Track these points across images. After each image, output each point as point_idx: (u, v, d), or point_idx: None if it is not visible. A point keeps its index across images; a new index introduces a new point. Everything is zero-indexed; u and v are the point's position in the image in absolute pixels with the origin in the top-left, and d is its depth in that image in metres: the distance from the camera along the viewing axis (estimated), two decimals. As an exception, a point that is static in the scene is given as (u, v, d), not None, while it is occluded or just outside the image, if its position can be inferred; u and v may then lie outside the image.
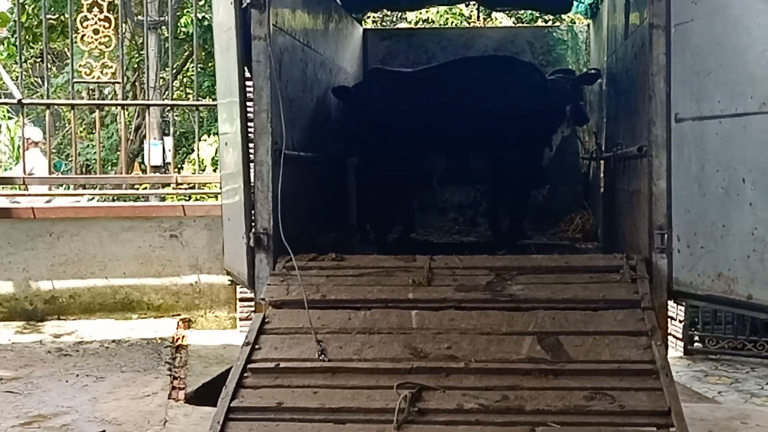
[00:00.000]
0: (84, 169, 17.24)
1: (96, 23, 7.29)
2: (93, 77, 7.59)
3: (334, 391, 3.92)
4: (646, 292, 4.34)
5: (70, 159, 18.00)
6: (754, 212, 3.97)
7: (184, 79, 17.93)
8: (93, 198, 9.55)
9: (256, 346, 4.22)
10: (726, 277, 4.15)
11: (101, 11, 7.29)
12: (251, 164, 4.88)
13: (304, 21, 5.96)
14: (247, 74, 4.93)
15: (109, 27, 7.33)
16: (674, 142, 4.39)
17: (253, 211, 4.86)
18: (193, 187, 8.09)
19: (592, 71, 7.06)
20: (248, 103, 4.93)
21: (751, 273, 4.02)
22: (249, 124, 4.92)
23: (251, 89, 4.88)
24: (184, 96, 17.47)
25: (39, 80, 17.90)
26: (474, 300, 4.43)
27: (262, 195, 4.82)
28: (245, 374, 4.06)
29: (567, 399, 3.76)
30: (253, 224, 4.84)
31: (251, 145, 4.91)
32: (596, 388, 3.81)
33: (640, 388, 3.79)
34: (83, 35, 7.37)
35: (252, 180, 4.86)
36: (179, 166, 8.36)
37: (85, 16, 7.31)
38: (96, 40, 7.32)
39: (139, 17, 14.86)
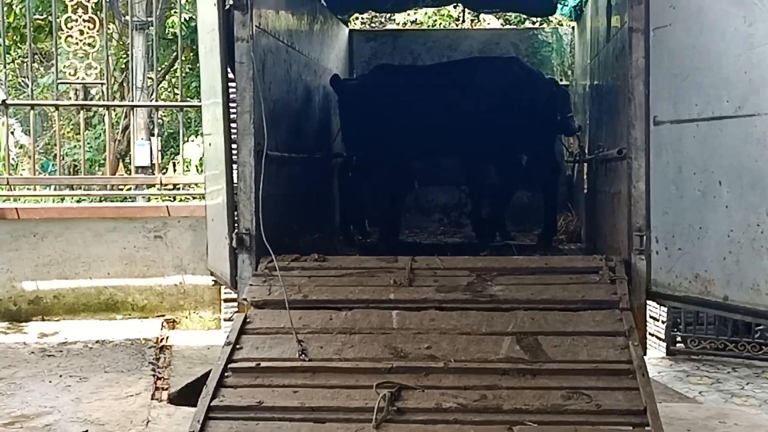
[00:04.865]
0: (71, 170, 17.18)
1: (81, 24, 7.29)
2: (78, 78, 7.59)
3: (314, 390, 3.95)
4: (624, 293, 4.38)
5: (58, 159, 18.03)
6: (730, 214, 4.03)
7: (172, 80, 17.90)
8: (79, 199, 9.52)
9: (237, 346, 4.25)
10: (703, 278, 4.20)
11: (86, 12, 7.29)
12: (234, 165, 4.90)
13: (288, 22, 5.98)
14: (231, 75, 4.95)
15: (94, 28, 7.34)
16: (653, 145, 4.44)
17: (235, 212, 4.89)
18: (177, 188, 8.09)
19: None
20: (231, 105, 4.95)
21: (727, 274, 4.07)
22: (232, 125, 4.94)
23: (234, 90, 4.90)
24: (172, 97, 17.44)
25: (25, 80, 17.84)
26: (454, 300, 4.46)
27: (245, 196, 4.84)
28: (226, 374, 4.08)
29: (544, 398, 3.80)
30: (235, 225, 4.87)
31: (234, 146, 4.93)
32: (573, 387, 3.84)
33: (617, 387, 3.83)
34: (68, 36, 7.37)
35: (235, 181, 4.89)
36: (166, 167, 8.34)
37: (70, 16, 7.31)
38: (81, 40, 7.33)
39: (126, 17, 14.83)
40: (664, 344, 7.57)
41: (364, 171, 6.73)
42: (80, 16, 7.30)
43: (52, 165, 18.30)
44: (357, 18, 14.19)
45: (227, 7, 4.82)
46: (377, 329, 4.31)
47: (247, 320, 4.43)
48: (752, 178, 3.90)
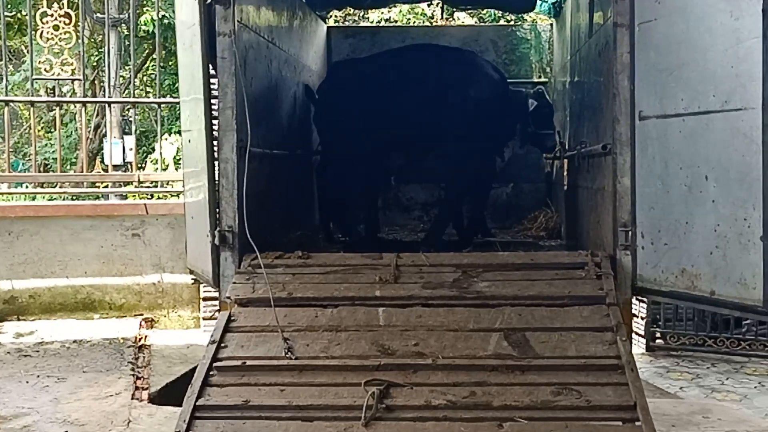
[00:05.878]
0: (42, 169, 16.95)
1: (56, 19, 7.18)
2: (53, 74, 7.47)
3: (302, 388, 3.90)
4: (610, 288, 4.37)
5: (27, 158, 17.78)
6: (717, 209, 4.03)
7: (144, 78, 17.76)
8: (51, 197, 9.38)
9: (222, 345, 4.19)
10: (689, 273, 4.21)
11: (61, 7, 7.17)
12: (216, 162, 4.84)
13: (269, 18, 5.93)
14: (212, 71, 4.89)
15: (70, 23, 7.22)
16: (638, 140, 4.44)
17: (217, 209, 4.82)
18: (155, 186, 8.01)
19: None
20: (212, 101, 4.89)
21: (714, 269, 4.08)
22: (213, 121, 4.87)
23: (215, 86, 4.84)
24: (144, 95, 17.31)
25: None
26: (441, 297, 4.43)
27: (227, 193, 4.78)
28: (211, 372, 4.02)
29: (534, 394, 3.78)
30: (217, 222, 4.81)
31: (216, 142, 4.87)
32: (563, 383, 3.83)
33: (606, 383, 3.83)
34: (42, 31, 7.25)
35: (216, 178, 4.82)
36: (140, 165, 8.26)
37: (45, 11, 7.19)
38: (56, 36, 7.21)
39: (98, 14, 14.66)
40: (644, 340, 7.60)
41: (338, 166, 6.69)
42: (56, 11, 7.18)
43: (23, 164, 18.07)
44: (331, 15, 14.17)
45: (208, 1, 4.77)
46: (364, 326, 4.27)
47: (232, 318, 4.37)
48: (739, 173, 3.91)
